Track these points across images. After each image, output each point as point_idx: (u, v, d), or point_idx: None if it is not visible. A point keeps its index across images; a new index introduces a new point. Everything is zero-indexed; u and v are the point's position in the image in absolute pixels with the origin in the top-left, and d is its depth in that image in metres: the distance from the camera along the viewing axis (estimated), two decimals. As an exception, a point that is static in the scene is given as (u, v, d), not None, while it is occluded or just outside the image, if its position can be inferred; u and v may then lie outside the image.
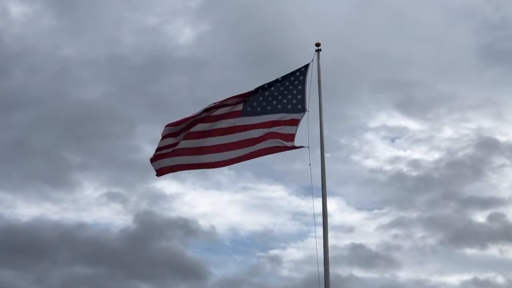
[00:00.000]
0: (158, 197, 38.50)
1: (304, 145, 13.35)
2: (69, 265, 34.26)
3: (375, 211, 38.75)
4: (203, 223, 40.99)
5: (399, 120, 41.60)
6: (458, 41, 42.89)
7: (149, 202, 38.51)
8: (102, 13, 44.21)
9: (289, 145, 13.41)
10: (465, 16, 44.37)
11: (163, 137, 13.89)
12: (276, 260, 37.03)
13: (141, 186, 39.37)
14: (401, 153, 40.35)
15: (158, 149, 13.91)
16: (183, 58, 41.54)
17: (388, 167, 39.30)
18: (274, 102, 13.82)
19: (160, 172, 13.96)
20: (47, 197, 39.34)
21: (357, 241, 36.36)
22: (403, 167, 38.93)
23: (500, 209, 37.05)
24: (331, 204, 37.66)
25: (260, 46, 39.79)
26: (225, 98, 13.81)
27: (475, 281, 33.46)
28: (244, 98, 13.81)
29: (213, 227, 38.27)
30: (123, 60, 40.71)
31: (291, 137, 13.45)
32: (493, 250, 36.19)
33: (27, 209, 39.79)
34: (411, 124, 41.74)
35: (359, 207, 39.57)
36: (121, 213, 39.26)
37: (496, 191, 38.35)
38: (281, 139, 13.46)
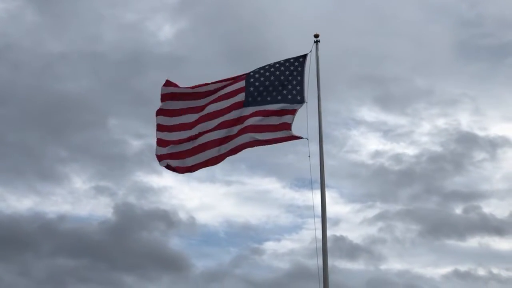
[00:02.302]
0: (149, 190, 38.96)
1: (303, 137, 13.20)
2: (54, 257, 34.76)
3: (360, 204, 39.09)
4: (195, 216, 41.51)
5: (379, 115, 41.86)
6: (435, 37, 43.63)
7: (137, 195, 39.09)
8: (83, 10, 44.74)
9: (288, 135, 13.21)
10: (441, 13, 44.99)
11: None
12: (269, 252, 37.53)
13: (129, 179, 40.07)
14: (382, 148, 40.62)
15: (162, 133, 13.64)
16: (162, 54, 42.27)
17: (370, 161, 39.57)
18: (274, 93, 13.68)
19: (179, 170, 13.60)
20: (34, 190, 39.69)
21: (342, 234, 36.55)
22: (385, 162, 39.23)
23: (483, 203, 37.79)
24: (316, 196, 37.78)
25: (239, 43, 40.81)
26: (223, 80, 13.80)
27: (456, 273, 34.02)
28: (244, 79, 13.75)
29: (205, 219, 39.63)
30: (104, 56, 41.51)
31: (287, 126, 13.29)
32: (475, 243, 36.88)
33: (12, 202, 39.83)
34: (391, 119, 41.97)
35: (344, 200, 39.80)
36: (108, 206, 39.44)
37: (478, 185, 38.86)
38: (278, 130, 13.29)
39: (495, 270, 33.84)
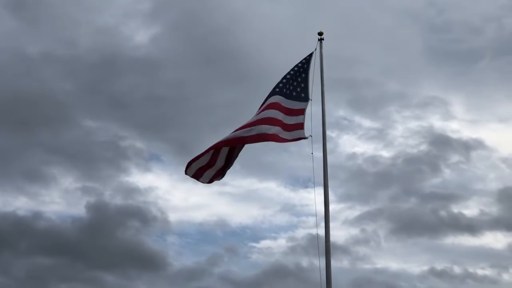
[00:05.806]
0: (136, 190, 38.91)
1: (307, 136, 13.05)
2: (35, 256, 34.89)
3: (341, 205, 39.12)
4: (193, 215, 41.66)
5: (353, 117, 42.08)
6: (405, 42, 44.27)
7: (124, 196, 38.93)
8: (58, 15, 44.44)
9: (297, 136, 13.03)
10: (411, 19, 45.65)
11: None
12: (266, 250, 37.83)
13: (119, 180, 39.85)
14: (358, 149, 40.91)
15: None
16: (138, 58, 42.71)
17: (348, 163, 39.80)
18: (281, 84, 13.66)
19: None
20: (22, 191, 39.56)
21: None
22: (362, 163, 39.48)
23: (460, 204, 38.53)
24: (302, 196, 38.43)
25: (211, 47, 41.47)
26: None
27: (432, 271, 34.57)
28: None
29: (198, 218, 39.73)
30: (80, 60, 41.58)
31: (300, 125, 13.15)
32: (451, 242, 37.55)
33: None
34: (365, 121, 42.11)
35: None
36: (92, 206, 38.99)
37: (454, 186, 39.39)
38: (289, 130, 13.13)
39: (470, 269, 34.59)
